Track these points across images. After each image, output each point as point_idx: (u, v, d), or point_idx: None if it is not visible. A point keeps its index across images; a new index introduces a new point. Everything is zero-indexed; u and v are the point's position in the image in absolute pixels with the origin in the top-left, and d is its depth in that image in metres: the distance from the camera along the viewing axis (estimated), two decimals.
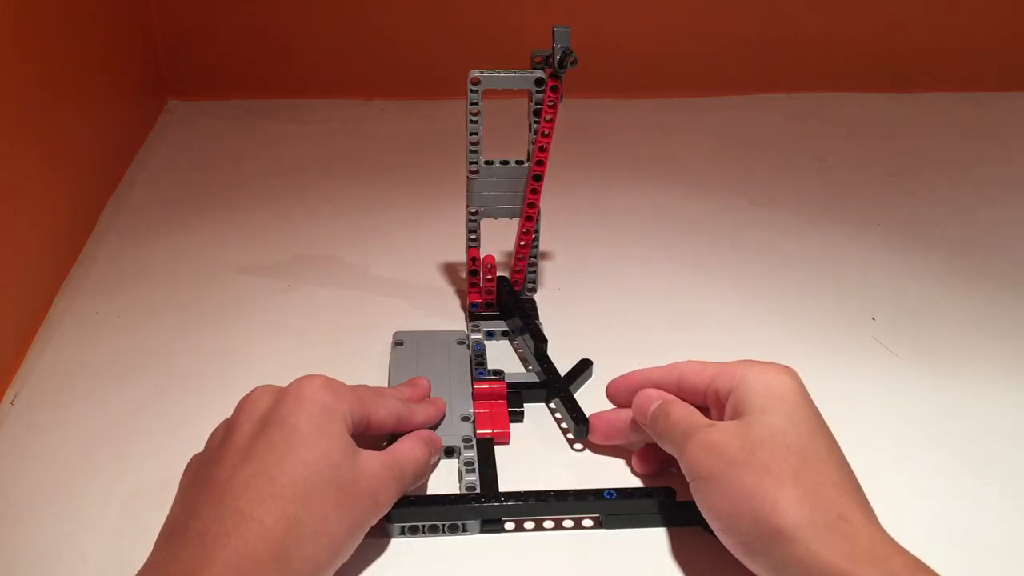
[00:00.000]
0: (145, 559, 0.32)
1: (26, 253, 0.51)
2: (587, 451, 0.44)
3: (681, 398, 0.39)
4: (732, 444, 0.33)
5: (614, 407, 0.43)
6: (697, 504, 0.35)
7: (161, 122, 0.77)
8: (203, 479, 0.33)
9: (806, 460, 0.32)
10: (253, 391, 0.37)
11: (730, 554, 0.38)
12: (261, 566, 0.30)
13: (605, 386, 0.43)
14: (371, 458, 0.35)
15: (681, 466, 0.36)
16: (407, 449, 0.37)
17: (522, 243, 0.50)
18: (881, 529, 0.31)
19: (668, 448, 0.37)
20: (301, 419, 0.34)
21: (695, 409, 0.38)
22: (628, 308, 0.55)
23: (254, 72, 0.80)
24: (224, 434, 0.36)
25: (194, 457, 0.36)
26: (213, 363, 0.49)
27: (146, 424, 0.45)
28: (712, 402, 0.38)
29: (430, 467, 0.39)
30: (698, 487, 0.34)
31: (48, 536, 0.38)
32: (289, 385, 0.36)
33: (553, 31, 0.43)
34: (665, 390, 0.40)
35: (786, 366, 0.37)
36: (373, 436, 0.39)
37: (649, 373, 0.41)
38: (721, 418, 0.37)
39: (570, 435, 0.45)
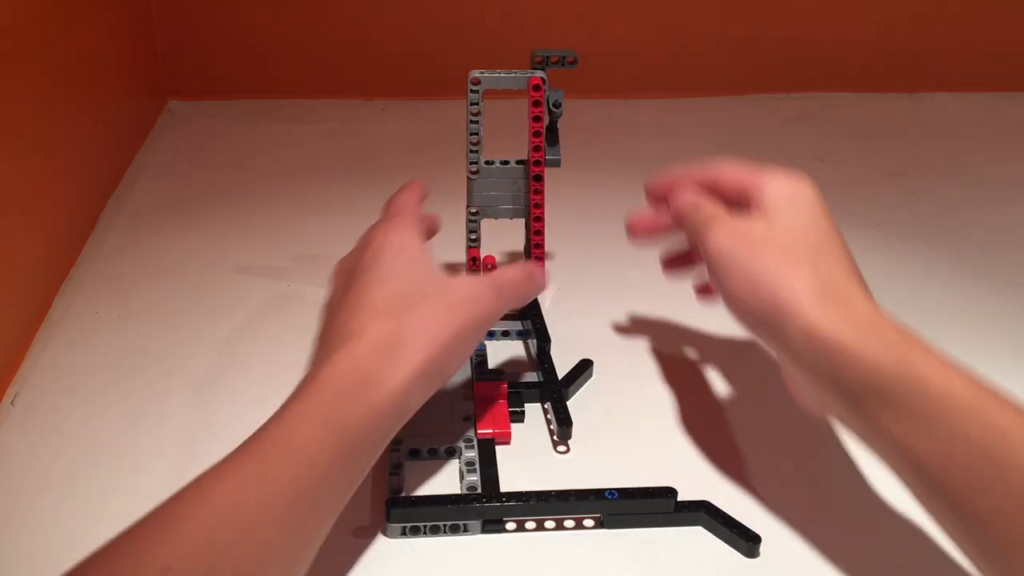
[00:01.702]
0: None
1: (26, 253, 0.51)
2: (590, 451, 0.44)
3: (718, 194, 0.40)
4: (756, 233, 0.36)
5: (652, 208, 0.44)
6: (714, 284, 0.37)
7: (161, 122, 0.77)
8: (320, 337, 0.37)
9: (821, 252, 0.35)
10: (336, 265, 0.40)
11: (731, 554, 0.38)
12: (367, 366, 0.33)
13: (644, 184, 0.44)
14: (464, 277, 0.38)
15: (703, 255, 0.37)
16: (504, 269, 0.39)
17: (536, 244, 0.50)
18: (882, 311, 0.33)
19: (694, 238, 0.39)
20: (384, 261, 0.37)
21: (717, 202, 0.39)
22: (629, 308, 0.54)
23: (254, 72, 0.80)
24: (324, 306, 0.39)
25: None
26: (213, 363, 0.49)
27: (146, 424, 0.45)
28: (740, 201, 0.39)
29: (534, 288, 0.40)
30: (719, 270, 0.36)
31: (48, 536, 0.38)
32: (364, 240, 0.39)
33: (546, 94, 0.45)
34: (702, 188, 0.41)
35: (808, 180, 0.38)
36: None
37: (686, 170, 0.42)
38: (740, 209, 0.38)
39: (555, 437, 0.44)
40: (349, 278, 0.37)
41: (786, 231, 0.35)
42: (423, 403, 0.35)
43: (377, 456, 0.34)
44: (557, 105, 0.45)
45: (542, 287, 0.41)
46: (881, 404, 0.31)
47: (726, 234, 0.36)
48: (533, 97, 0.45)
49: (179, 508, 0.28)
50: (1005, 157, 0.75)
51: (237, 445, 0.43)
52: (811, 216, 0.36)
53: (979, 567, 0.31)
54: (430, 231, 0.42)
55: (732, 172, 0.39)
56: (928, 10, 0.82)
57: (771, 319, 0.34)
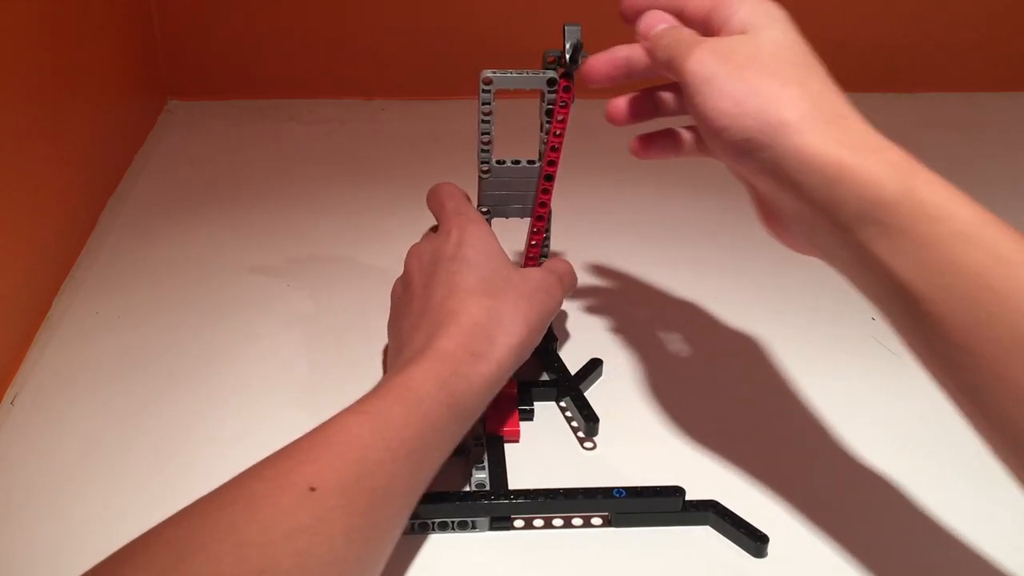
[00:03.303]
0: None
1: (26, 253, 0.51)
2: (598, 450, 0.44)
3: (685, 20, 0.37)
4: (740, 50, 0.33)
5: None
6: (694, 112, 0.34)
7: (161, 122, 0.77)
8: (401, 321, 0.41)
9: (810, 69, 0.33)
10: (412, 249, 0.44)
11: (739, 554, 0.38)
12: (474, 341, 0.37)
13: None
14: (532, 270, 0.42)
15: (681, 80, 0.34)
16: (556, 262, 0.45)
17: (533, 243, 0.50)
18: (876, 131, 0.31)
19: (669, 67, 0.35)
20: (468, 251, 0.40)
21: (690, 29, 0.36)
22: (635, 306, 0.54)
23: (254, 72, 0.80)
24: (403, 287, 0.43)
25: (388, 323, 0.44)
26: (213, 363, 0.49)
27: (146, 424, 0.44)
28: (708, 28, 0.36)
29: (575, 279, 0.46)
30: (701, 89, 0.33)
31: (48, 536, 0.38)
32: (443, 230, 0.42)
33: (564, 29, 0.43)
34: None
35: (778, 4, 0.36)
36: None
37: (656, 3, 0.38)
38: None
39: (581, 433, 0.44)
40: (434, 264, 0.41)
41: (771, 48, 0.33)
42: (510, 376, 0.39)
43: (477, 417, 0.37)
44: (583, 53, 0.43)
45: (576, 279, 0.46)
46: (879, 231, 0.29)
47: (708, 52, 0.33)
48: (561, 98, 0.45)
49: (324, 438, 0.32)
50: (1005, 157, 0.75)
51: (237, 444, 0.43)
52: (791, 35, 0.34)
53: (961, 406, 0.30)
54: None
55: (697, 2, 0.36)
56: (928, 10, 0.82)
57: (759, 140, 0.31)
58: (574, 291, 0.46)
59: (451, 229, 0.42)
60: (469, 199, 0.46)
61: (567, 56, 0.43)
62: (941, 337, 0.28)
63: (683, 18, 0.37)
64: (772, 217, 0.35)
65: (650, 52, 0.37)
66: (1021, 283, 0.27)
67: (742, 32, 0.34)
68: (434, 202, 0.46)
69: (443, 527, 0.38)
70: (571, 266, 0.45)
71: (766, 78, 0.32)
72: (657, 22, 0.37)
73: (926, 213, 0.28)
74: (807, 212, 0.31)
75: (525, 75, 0.45)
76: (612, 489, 0.39)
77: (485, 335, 0.37)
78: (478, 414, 0.37)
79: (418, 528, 0.38)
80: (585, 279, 0.57)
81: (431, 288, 0.40)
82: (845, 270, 0.32)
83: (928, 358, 0.30)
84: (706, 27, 0.36)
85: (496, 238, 0.42)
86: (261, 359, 0.49)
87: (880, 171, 0.29)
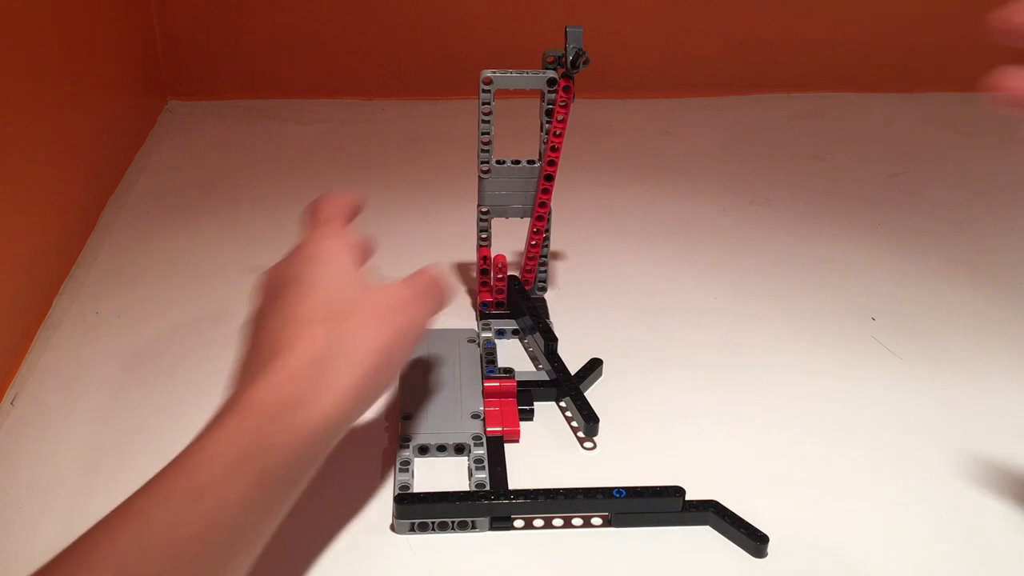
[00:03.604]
0: None
1: (26, 253, 0.51)
2: (598, 450, 0.44)
3: None
4: None
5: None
6: None
7: (161, 122, 0.77)
8: (245, 354, 0.35)
9: None
10: (264, 272, 0.38)
11: (739, 554, 0.38)
12: (298, 384, 0.31)
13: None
14: (388, 286, 0.36)
15: None
16: (421, 273, 0.38)
17: (533, 242, 0.51)
18: None
19: None
20: (316, 270, 0.35)
21: None
22: (635, 306, 0.54)
23: (254, 72, 0.80)
24: (246, 323, 0.37)
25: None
26: (213, 363, 0.49)
27: (146, 423, 0.44)
28: None
29: (446, 292, 0.39)
30: None
31: (48, 536, 0.38)
32: (296, 249, 0.37)
33: (565, 31, 0.43)
34: None
35: None
36: None
37: None
38: None
39: (581, 433, 0.44)
40: (275, 291, 0.35)
41: None
42: (355, 422, 0.33)
43: (308, 480, 0.32)
44: (584, 57, 0.43)
45: (447, 291, 0.39)
46: None
47: None
48: (561, 98, 0.45)
49: (85, 555, 0.27)
50: (1005, 157, 0.75)
51: None
52: None
53: None
54: (365, 252, 0.39)
55: None
56: (928, 10, 0.82)
57: None
58: (444, 307, 0.38)
59: (303, 246, 0.37)
60: (352, 212, 0.41)
61: (569, 59, 0.43)
62: None
63: None
64: None
65: None
66: None
67: None
68: (307, 216, 0.40)
69: (443, 527, 0.38)
70: (438, 276, 0.38)
71: None
72: None
73: None
74: None
75: (525, 75, 0.45)
76: (612, 489, 0.39)
77: (316, 373, 0.31)
78: (309, 474, 0.32)
79: (417, 528, 0.38)
80: (585, 279, 0.57)
81: (267, 318, 0.34)
82: None
83: None
84: None
85: (352, 254, 0.36)
86: None
87: None
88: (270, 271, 0.37)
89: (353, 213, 0.41)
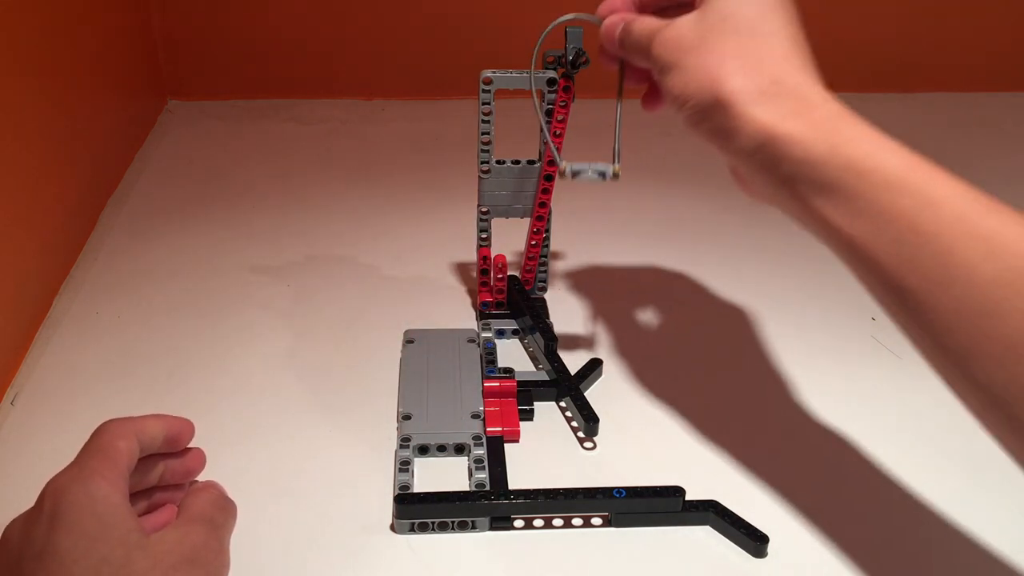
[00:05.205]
0: None
1: (26, 253, 0.51)
2: (598, 450, 0.44)
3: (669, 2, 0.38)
4: (687, 35, 0.35)
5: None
6: (664, 98, 0.36)
7: (161, 122, 0.77)
8: None
9: (753, 36, 0.34)
10: (6, 529, 0.30)
11: (739, 554, 0.38)
12: None
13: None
14: (164, 535, 0.30)
15: (651, 70, 0.37)
16: (193, 497, 0.33)
17: (533, 243, 0.51)
18: (814, 86, 0.33)
19: (640, 61, 0.38)
20: (61, 538, 0.28)
21: (654, 18, 0.38)
22: (634, 307, 0.54)
23: (254, 72, 0.80)
24: None
25: None
26: (214, 363, 0.49)
27: None
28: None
29: (231, 506, 0.35)
30: (662, 80, 0.36)
31: None
32: (37, 500, 0.30)
33: (565, 31, 0.43)
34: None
35: None
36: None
37: None
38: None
39: (581, 433, 0.44)
40: (18, 563, 0.28)
41: (716, 24, 0.34)
42: None
43: None
44: (584, 57, 0.44)
45: (233, 505, 0.35)
46: (812, 189, 0.31)
47: (660, 45, 0.35)
48: (561, 98, 0.45)
49: None
50: (1005, 157, 0.75)
51: (238, 444, 0.43)
52: (745, 2, 0.34)
53: (921, 348, 0.31)
54: (147, 474, 0.33)
55: None
56: (928, 10, 0.82)
57: (706, 113, 0.33)
58: (236, 520, 0.34)
59: (43, 502, 0.30)
60: (153, 440, 0.34)
61: (568, 59, 0.43)
62: (883, 282, 0.30)
63: None
64: (735, 172, 0.37)
65: (623, 51, 0.39)
66: (946, 223, 0.28)
67: (702, 4, 0.35)
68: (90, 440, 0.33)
69: (443, 527, 0.38)
70: (218, 492, 0.34)
71: (707, 57, 0.34)
72: (615, 27, 0.40)
73: (852, 167, 0.30)
74: (754, 172, 0.33)
75: (525, 75, 0.45)
76: (612, 489, 0.39)
77: None
78: None
79: (418, 528, 0.38)
80: (585, 279, 0.57)
81: None
82: (797, 220, 0.33)
83: (882, 302, 0.32)
84: None
85: (119, 493, 0.30)
86: (261, 359, 0.49)
87: (807, 133, 0.31)
88: (9, 531, 0.30)
89: (155, 441, 0.34)
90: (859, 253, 0.30)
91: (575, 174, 0.42)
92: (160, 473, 0.35)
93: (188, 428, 0.36)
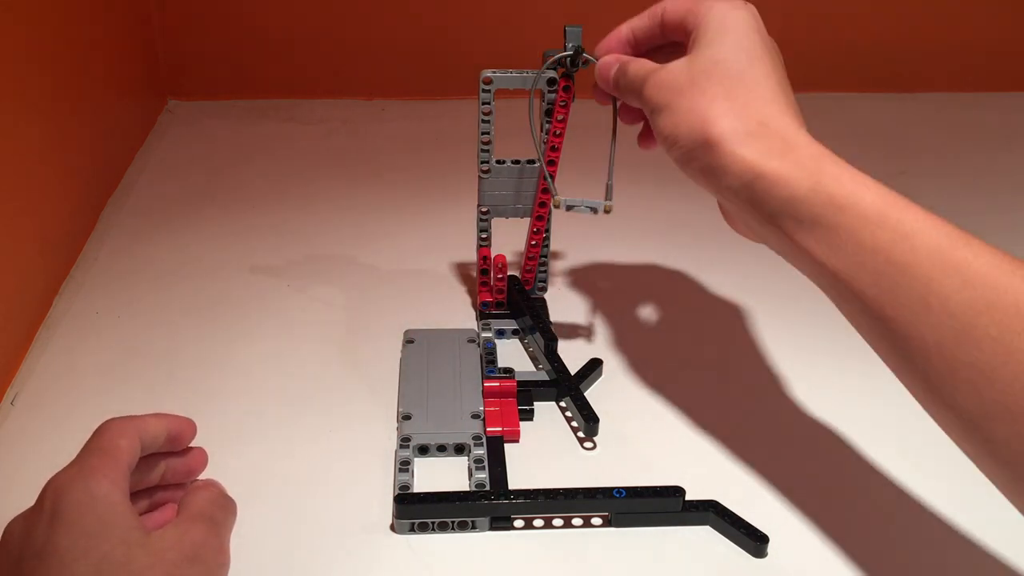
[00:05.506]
0: None
1: (26, 253, 0.51)
2: (598, 450, 0.44)
3: (667, 39, 0.40)
4: (679, 77, 0.36)
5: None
6: (656, 138, 0.38)
7: (161, 122, 0.77)
8: None
9: (741, 81, 0.35)
10: (6, 527, 0.30)
11: (739, 554, 0.38)
12: None
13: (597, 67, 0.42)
14: (163, 533, 0.30)
15: (643, 108, 0.39)
16: (193, 496, 0.33)
17: (533, 243, 0.51)
18: (799, 129, 0.34)
19: (633, 102, 0.40)
20: (61, 537, 0.28)
21: (648, 61, 0.39)
22: (634, 306, 0.54)
23: (254, 72, 0.80)
24: None
25: None
26: (214, 363, 0.49)
27: None
28: (683, 38, 0.39)
29: (232, 504, 0.34)
30: (654, 120, 0.37)
31: None
32: (39, 498, 0.30)
33: (565, 31, 0.43)
34: (651, 34, 0.41)
35: (746, 2, 0.38)
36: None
37: (632, 23, 0.42)
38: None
39: (581, 433, 0.44)
40: (19, 563, 0.28)
41: (707, 69, 0.35)
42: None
43: None
44: (584, 57, 0.44)
45: (233, 503, 0.34)
46: (797, 224, 0.33)
47: (654, 86, 0.37)
48: (561, 98, 0.45)
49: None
50: (1005, 157, 0.75)
51: (238, 443, 0.43)
52: (735, 46, 0.36)
53: (901, 375, 0.33)
54: (147, 473, 0.33)
55: (673, 9, 0.39)
56: (928, 10, 0.82)
57: (694, 154, 0.35)
58: (236, 518, 0.34)
59: (44, 500, 0.29)
60: (155, 439, 0.34)
61: (568, 58, 0.43)
62: (864, 311, 0.32)
63: (663, 25, 0.40)
64: (723, 210, 0.39)
65: (617, 91, 0.41)
66: (923, 254, 0.30)
67: (693, 47, 0.37)
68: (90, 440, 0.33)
69: (443, 527, 0.38)
70: (218, 490, 0.34)
71: (697, 99, 0.35)
72: (609, 68, 0.41)
73: (833, 204, 0.32)
74: (741, 209, 0.35)
75: (525, 75, 0.45)
76: (612, 489, 0.39)
77: None
78: None
79: (418, 528, 0.38)
80: (585, 279, 0.57)
81: None
82: (783, 254, 0.35)
83: (867, 336, 0.33)
84: (682, 30, 0.39)
85: (119, 491, 0.29)
86: (261, 359, 0.49)
87: (791, 172, 0.33)
88: (9, 529, 0.30)
89: (157, 440, 0.34)
90: (841, 285, 0.32)
91: (569, 207, 0.44)
92: (161, 472, 0.35)
93: (190, 427, 0.36)
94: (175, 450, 0.36)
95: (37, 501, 0.30)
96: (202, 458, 0.37)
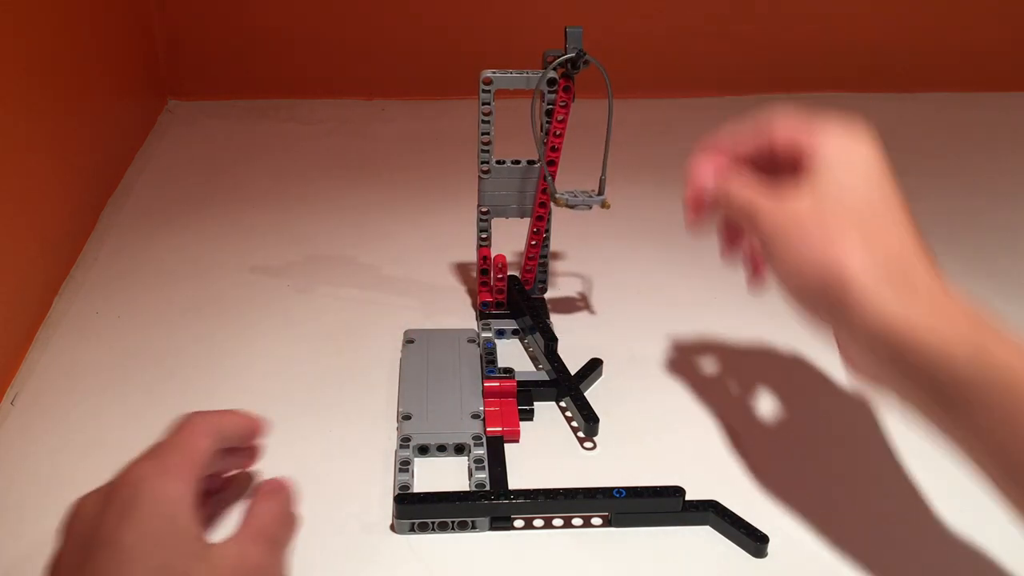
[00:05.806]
0: None
1: (26, 253, 0.51)
2: (598, 450, 0.44)
3: (776, 163, 0.36)
4: (801, 212, 0.33)
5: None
6: (771, 269, 0.34)
7: (161, 122, 0.77)
8: None
9: (877, 221, 0.32)
10: (74, 504, 0.30)
11: (739, 554, 0.38)
12: None
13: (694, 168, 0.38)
14: (224, 547, 0.29)
15: (757, 238, 0.35)
16: (265, 510, 0.32)
17: (533, 242, 0.51)
18: (949, 288, 0.31)
19: (746, 227, 0.36)
20: (127, 535, 0.27)
21: (752, 184, 0.36)
22: (634, 307, 0.54)
23: (254, 72, 0.80)
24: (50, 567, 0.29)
25: None
26: (214, 363, 0.49)
27: (146, 424, 0.44)
28: (795, 163, 0.35)
29: (295, 517, 0.34)
30: (771, 255, 0.34)
31: (48, 536, 0.37)
32: (115, 483, 0.30)
33: (565, 31, 0.43)
34: (760, 155, 0.37)
35: (868, 134, 0.35)
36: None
37: (736, 139, 0.37)
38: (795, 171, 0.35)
39: (581, 433, 0.44)
40: (85, 549, 0.28)
41: (834, 202, 0.32)
42: None
43: None
44: (584, 58, 0.43)
45: (296, 514, 0.34)
46: (956, 394, 0.29)
47: (770, 222, 0.34)
48: (561, 98, 0.45)
49: None
50: (1005, 157, 0.75)
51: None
52: (863, 180, 0.33)
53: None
54: (214, 484, 0.34)
55: (786, 132, 0.35)
56: (928, 10, 0.82)
57: (826, 299, 0.32)
58: (296, 535, 0.33)
59: (120, 488, 0.29)
60: (229, 436, 0.34)
61: (570, 60, 0.43)
62: (1011, 476, 0.29)
63: (774, 153, 0.36)
64: (849, 359, 0.35)
65: (724, 209, 0.37)
66: None
67: (813, 180, 0.33)
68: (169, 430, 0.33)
69: (443, 527, 0.38)
70: (283, 506, 0.33)
71: (826, 234, 0.32)
72: (706, 178, 0.37)
73: (1004, 380, 0.29)
74: (880, 367, 0.32)
75: (525, 75, 0.45)
76: (612, 489, 0.39)
77: None
78: None
79: (418, 528, 0.38)
80: (585, 279, 0.57)
81: None
82: (927, 423, 0.32)
83: (994, 481, 0.31)
84: (793, 161, 0.35)
85: (190, 498, 0.29)
86: (261, 359, 0.49)
87: (949, 336, 0.29)
88: (78, 509, 0.30)
89: (232, 440, 0.34)
90: (1018, 467, 0.29)
91: (570, 206, 0.44)
92: (219, 465, 0.37)
93: (260, 428, 0.37)
94: (241, 447, 0.37)
95: (113, 486, 0.30)
96: (256, 455, 0.39)
